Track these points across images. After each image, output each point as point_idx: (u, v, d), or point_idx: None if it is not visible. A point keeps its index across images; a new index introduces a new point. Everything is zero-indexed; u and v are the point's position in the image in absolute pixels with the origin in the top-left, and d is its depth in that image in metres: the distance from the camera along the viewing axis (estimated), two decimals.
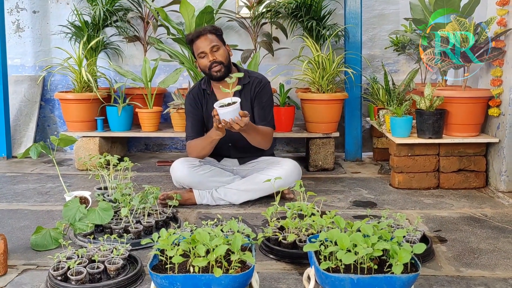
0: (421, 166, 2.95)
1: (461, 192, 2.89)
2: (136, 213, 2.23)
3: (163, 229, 1.68)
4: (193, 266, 1.53)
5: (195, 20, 3.42)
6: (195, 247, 1.55)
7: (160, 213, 2.27)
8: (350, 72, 3.47)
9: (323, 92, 3.45)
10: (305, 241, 1.87)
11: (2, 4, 3.90)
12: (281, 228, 2.04)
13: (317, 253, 1.62)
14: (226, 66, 2.64)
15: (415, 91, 3.41)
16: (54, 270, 1.66)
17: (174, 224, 2.27)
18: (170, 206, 2.31)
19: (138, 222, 2.15)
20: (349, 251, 1.53)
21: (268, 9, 3.73)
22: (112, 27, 3.93)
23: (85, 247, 1.81)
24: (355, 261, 1.52)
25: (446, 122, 2.94)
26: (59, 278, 1.65)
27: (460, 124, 2.92)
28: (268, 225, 2.02)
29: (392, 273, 1.50)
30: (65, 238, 2.10)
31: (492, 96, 2.88)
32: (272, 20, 3.78)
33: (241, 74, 2.28)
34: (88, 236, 2.05)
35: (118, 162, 2.49)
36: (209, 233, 1.59)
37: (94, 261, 1.70)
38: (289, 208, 2.01)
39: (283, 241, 1.93)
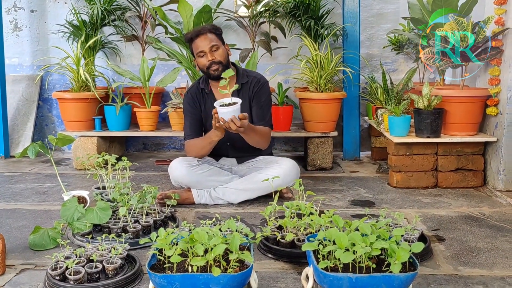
0: (419, 165, 2.96)
1: (459, 191, 2.90)
2: (135, 213, 2.23)
3: (161, 229, 1.68)
4: (192, 266, 1.53)
5: (193, 19, 3.42)
6: (193, 246, 1.55)
7: (158, 213, 2.27)
8: (348, 71, 3.48)
9: (321, 91, 3.45)
10: (303, 240, 1.87)
11: None
12: (280, 228, 2.04)
13: (316, 252, 1.63)
14: (225, 65, 2.63)
15: (413, 90, 3.42)
16: (52, 270, 1.66)
17: (172, 224, 2.26)
18: (168, 205, 2.31)
19: (136, 221, 2.15)
20: (348, 250, 1.54)
21: (266, 8, 3.73)
22: (110, 26, 3.93)
23: (83, 247, 1.81)
24: (353, 260, 1.52)
25: (444, 121, 2.94)
26: (57, 277, 1.64)
27: (458, 123, 2.92)
28: (267, 224, 2.02)
29: (391, 272, 1.50)
30: (63, 238, 2.10)
31: (490, 95, 2.89)
32: (270, 19, 3.78)
33: (231, 72, 2.23)
34: (86, 236, 2.05)
35: (116, 161, 2.49)
36: (207, 233, 1.59)
37: (92, 260, 1.70)
38: (288, 208, 2.01)
39: (281, 240, 1.93)
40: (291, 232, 1.95)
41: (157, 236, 1.64)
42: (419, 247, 1.57)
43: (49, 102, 4.27)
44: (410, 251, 1.54)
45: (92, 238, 2.03)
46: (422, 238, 1.99)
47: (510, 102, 2.78)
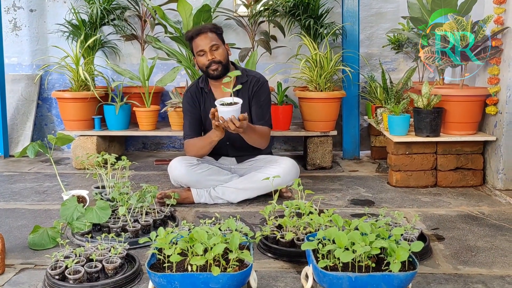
0: (419, 165, 2.96)
1: (458, 190, 2.90)
2: (134, 212, 2.23)
3: (161, 228, 1.68)
4: (191, 265, 1.53)
5: (192, 19, 3.41)
6: (193, 245, 1.55)
7: (158, 212, 2.27)
8: (347, 71, 3.47)
9: (321, 91, 3.45)
10: (303, 240, 1.87)
11: None
12: (279, 227, 2.04)
13: (315, 251, 1.63)
14: (224, 65, 2.63)
15: (412, 89, 3.41)
16: (52, 269, 1.66)
17: (172, 223, 2.26)
18: (168, 205, 2.31)
19: (136, 221, 2.15)
20: (347, 249, 1.54)
21: (266, 7, 3.73)
22: (109, 25, 3.92)
23: (83, 246, 1.81)
24: (353, 259, 1.52)
25: (444, 121, 2.95)
26: (56, 277, 1.64)
27: (457, 123, 2.92)
28: (266, 223, 2.03)
29: (390, 271, 1.50)
30: (63, 237, 2.10)
31: (489, 94, 2.89)
32: (270, 18, 3.78)
33: (238, 73, 2.27)
34: (85, 235, 2.05)
35: (115, 161, 2.49)
36: (207, 232, 1.59)
37: (92, 260, 1.70)
38: (287, 207, 2.01)
39: (281, 239, 1.93)
40: (291, 231, 1.95)
41: (157, 236, 1.64)
42: (418, 246, 1.57)
43: (49, 101, 4.27)
44: (409, 250, 1.54)
45: (91, 237, 2.03)
46: (422, 237, 1.99)
47: (509, 101, 2.78)
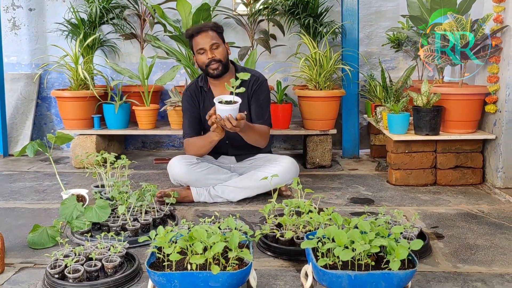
0: (418, 163, 2.96)
1: (458, 188, 2.90)
2: (134, 211, 2.22)
3: (160, 227, 1.68)
4: (191, 264, 1.53)
5: (191, 18, 3.41)
6: (192, 244, 1.55)
7: (157, 211, 2.27)
8: (347, 69, 3.47)
9: (320, 89, 3.45)
10: (302, 238, 1.87)
11: None
12: (279, 225, 2.04)
13: (315, 250, 1.63)
14: (224, 64, 2.63)
15: (412, 88, 3.41)
16: (52, 268, 1.66)
17: (171, 222, 2.26)
18: (167, 203, 2.31)
19: (135, 220, 2.15)
20: (347, 247, 1.54)
21: (265, 6, 3.72)
22: (108, 24, 3.92)
23: (82, 245, 1.81)
24: (352, 258, 1.52)
25: (443, 119, 2.95)
26: (56, 276, 1.64)
27: (457, 121, 2.92)
28: (266, 222, 2.03)
29: (390, 269, 1.50)
30: (62, 236, 2.09)
31: (488, 93, 2.89)
32: (269, 17, 3.77)
33: (247, 75, 2.26)
34: (85, 234, 2.05)
35: (115, 160, 2.49)
36: (206, 231, 1.59)
37: (91, 259, 1.70)
38: (287, 205, 2.01)
39: (280, 238, 1.93)
40: (290, 230, 1.95)
41: (156, 234, 1.64)
42: (418, 244, 1.57)
43: (48, 100, 4.26)
44: (409, 248, 1.54)
45: (91, 236, 2.03)
46: (421, 235, 1.99)
47: (508, 100, 2.78)
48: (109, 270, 1.69)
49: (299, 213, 2.05)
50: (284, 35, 3.91)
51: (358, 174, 3.30)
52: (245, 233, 1.79)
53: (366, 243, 1.54)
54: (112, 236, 1.87)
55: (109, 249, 1.76)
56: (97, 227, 2.16)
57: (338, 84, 3.74)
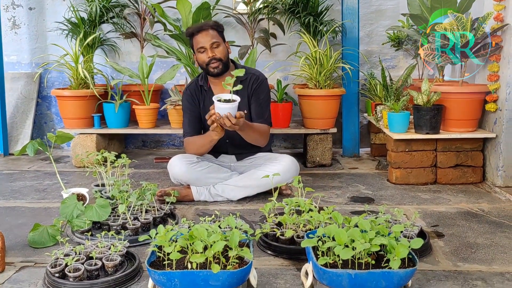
0: (419, 162, 2.96)
1: (458, 187, 2.90)
2: (134, 210, 2.23)
3: (160, 226, 1.68)
4: (191, 262, 1.53)
5: (192, 16, 3.41)
6: (193, 243, 1.56)
7: (157, 210, 2.27)
8: (347, 68, 3.47)
9: (321, 88, 3.44)
10: (303, 237, 1.87)
11: None
12: (279, 224, 2.04)
13: (315, 248, 1.63)
14: (225, 63, 2.63)
15: (412, 86, 3.41)
16: (52, 267, 1.66)
17: (171, 221, 2.26)
18: (167, 202, 2.31)
19: (135, 218, 2.15)
20: (347, 246, 1.54)
21: (265, 4, 3.72)
22: (108, 23, 3.92)
23: (83, 244, 1.81)
24: (352, 257, 1.52)
25: (443, 118, 2.94)
26: (56, 275, 1.64)
27: (457, 120, 2.92)
28: (266, 221, 2.03)
29: (390, 268, 1.50)
30: (63, 235, 2.10)
31: (489, 91, 2.89)
32: (269, 16, 3.77)
33: (242, 72, 2.26)
34: (85, 233, 2.05)
35: (115, 159, 2.49)
36: (206, 230, 1.60)
37: (91, 258, 1.70)
38: (287, 204, 2.01)
39: (281, 237, 1.93)
40: (291, 228, 1.95)
41: (157, 233, 1.65)
42: (418, 243, 1.57)
43: (48, 99, 4.26)
44: (409, 247, 1.54)
45: (91, 235, 2.03)
46: (421, 234, 1.99)
47: (509, 99, 2.78)
48: (110, 269, 1.69)
49: (299, 212, 2.06)
50: (284, 34, 3.91)
51: (359, 173, 3.30)
52: (246, 232, 1.79)
53: (366, 241, 1.54)
54: (112, 235, 1.87)
55: (110, 248, 1.76)
56: (97, 226, 2.16)
57: (339, 83, 3.74)
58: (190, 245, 1.56)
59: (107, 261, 1.69)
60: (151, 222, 2.15)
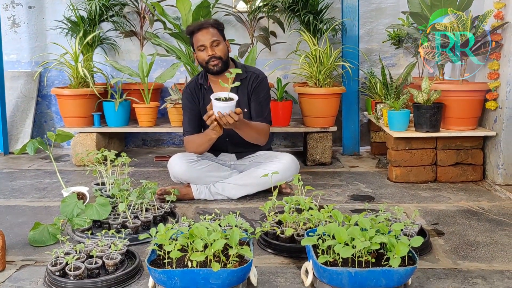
0: (419, 160, 2.96)
1: (458, 185, 2.90)
2: (134, 209, 2.23)
3: (161, 224, 1.68)
4: (191, 261, 1.53)
5: (191, 15, 3.41)
6: (193, 241, 1.56)
7: (158, 208, 2.27)
8: (347, 66, 3.47)
9: (321, 87, 3.44)
10: (303, 235, 1.87)
11: None
12: (279, 223, 2.05)
13: (315, 247, 1.63)
14: (225, 61, 2.63)
15: (412, 85, 3.41)
16: (52, 266, 1.66)
17: (172, 219, 2.27)
18: (168, 201, 2.31)
19: (136, 217, 2.15)
20: (347, 244, 1.54)
21: (265, 3, 3.72)
22: (108, 22, 3.91)
23: (83, 243, 1.81)
24: (352, 255, 1.52)
25: (444, 116, 2.94)
26: (57, 273, 1.65)
27: (457, 118, 2.92)
28: (266, 219, 2.03)
29: (390, 266, 1.50)
30: (63, 234, 2.10)
31: (489, 89, 2.88)
32: (269, 14, 3.77)
33: (239, 70, 2.26)
34: (86, 232, 2.05)
35: (115, 157, 2.49)
36: (207, 228, 1.60)
37: (92, 256, 1.70)
38: (287, 203, 2.01)
39: (281, 235, 1.93)
40: (291, 227, 1.95)
41: (157, 232, 1.65)
42: (418, 241, 1.58)
43: (48, 98, 4.26)
44: (409, 245, 1.54)
45: (91, 234, 2.03)
46: (422, 232, 2.00)
47: (509, 97, 2.77)
48: (110, 268, 1.69)
49: (299, 210, 2.06)
50: (284, 32, 3.90)
51: (359, 171, 3.30)
52: (246, 230, 1.79)
53: (367, 240, 1.54)
54: (112, 233, 1.87)
55: (110, 247, 1.76)
56: (97, 225, 2.16)
57: (338, 81, 3.74)
58: (190, 244, 1.56)
59: (108, 259, 1.69)
60: (151, 221, 2.15)
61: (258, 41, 3.81)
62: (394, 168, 2.98)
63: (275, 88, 3.61)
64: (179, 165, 2.61)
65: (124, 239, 1.84)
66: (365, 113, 3.88)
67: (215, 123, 2.38)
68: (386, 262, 1.54)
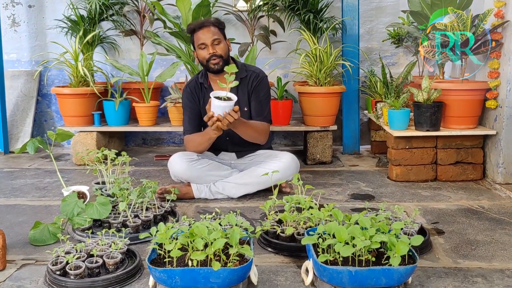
0: (419, 159, 2.96)
1: (458, 184, 2.90)
2: (134, 208, 2.23)
3: (161, 223, 1.68)
4: (192, 260, 1.54)
5: (191, 14, 3.40)
6: (193, 240, 1.56)
7: (158, 207, 2.28)
8: (347, 65, 3.47)
9: (321, 85, 3.44)
10: (303, 234, 1.87)
11: None
12: (279, 221, 2.05)
13: (315, 246, 1.63)
14: (225, 60, 2.63)
15: (412, 83, 3.41)
16: (53, 265, 1.67)
17: (172, 218, 2.27)
18: (168, 200, 2.31)
19: (136, 216, 2.16)
20: (347, 243, 1.54)
21: (265, 2, 3.71)
22: (108, 21, 3.91)
23: (84, 242, 1.81)
24: (353, 254, 1.52)
25: (444, 115, 2.94)
26: (58, 272, 1.65)
27: (457, 117, 2.92)
28: (266, 218, 2.03)
29: (390, 265, 1.50)
30: (64, 233, 2.10)
31: (489, 88, 2.88)
32: (269, 13, 3.76)
33: (234, 68, 2.24)
34: (86, 231, 2.05)
35: (115, 156, 2.49)
36: (207, 227, 1.60)
37: (92, 255, 1.70)
38: (287, 202, 2.02)
39: (281, 234, 1.93)
40: (291, 226, 1.95)
41: (157, 231, 1.65)
42: (418, 240, 1.58)
43: (48, 97, 4.26)
44: (409, 244, 1.54)
45: (92, 233, 2.03)
46: (422, 231, 2.00)
47: (509, 95, 2.77)
48: (110, 267, 1.69)
49: (299, 209, 2.06)
50: (284, 31, 3.90)
51: (359, 170, 3.30)
52: (246, 229, 1.79)
53: (367, 239, 1.54)
54: (113, 232, 1.87)
55: (110, 246, 1.76)
56: (98, 224, 2.16)
57: (339, 80, 3.73)
58: (191, 243, 1.57)
59: (108, 258, 1.70)
60: (151, 220, 2.16)
61: (258, 40, 3.80)
62: (394, 167, 2.98)
63: (275, 87, 3.61)
64: (179, 164, 2.61)
65: (125, 238, 1.84)
66: (365, 112, 3.88)
67: (217, 123, 2.38)
68: (386, 261, 1.54)
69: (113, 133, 3.85)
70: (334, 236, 1.58)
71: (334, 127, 3.51)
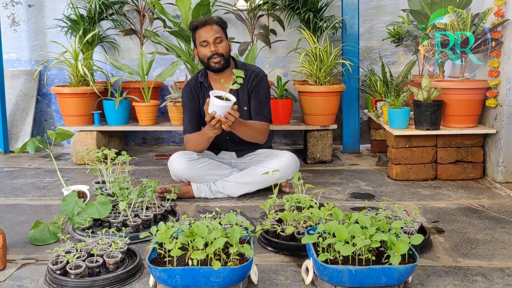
0: (419, 158, 2.96)
1: (458, 183, 2.90)
2: (135, 207, 2.23)
3: (161, 223, 1.68)
4: (192, 259, 1.54)
5: (191, 13, 3.40)
6: (193, 240, 1.56)
7: (158, 207, 2.28)
8: (347, 64, 3.47)
9: (321, 84, 3.44)
10: (303, 233, 1.88)
11: None
12: (280, 221, 2.05)
13: (315, 245, 1.63)
14: (226, 59, 2.63)
15: (412, 82, 3.41)
16: (53, 264, 1.67)
17: (172, 218, 2.27)
18: (168, 199, 2.31)
19: (136, 215, 2.16)
20: (347, 242, 1.54)
21: (265, 1, 3.71)
22: (108, 20, 3.91)
23: (84, 241, 1.81)
24: (353, 253, 1.52)
25: (444, 114, 2.94)
26: (58, 272, 1.65)
27: (457, 116, 2.92)
28: (267, 217, 2.03)
29: (390, 264, 1.51)
30: (64, 233, 2.10)
31: (489, 87, 2.88)
32: (269, 12, 3.76)
33: (242, 73, 2.25)
34: (86, 230, 2.05)
35: (115, 156, 2.49)
36: (207, 226, 1.60)
37: (93, 255, 1.70)
38: (287, 201, 2.02)
39: (281, 233, 1.93)
40: (291, 225, 1.95)
41: (157, 230, 1.65)
42: (418, 239, 1.58)
43: (48, 97, 4.26)
44: (409, 243, 1.54)
45: (92, 232, 2.03)
46: (422, 230, 2.00)
47: (509, 94, 2.77)
48: (111, 266, 1.69)
49: (299, 209, 2.06)
50: (284, 30, 3.90)
51: (359, 169, 3.30)
52: (246, 228, 1.79)
53: (367, 238, 1.54)
54: (113, 232, 1.87)
55: (111, 245, 1.77)
56: (98, 223, 2.16)
57: (339, 79, 3.73)
58: (191, 242, 1.57)
59: (108, 258, 1.70)
60: (151, 219, 2.16)
61: (258, 39, 3.80)
62: (394, 166, 2.98)
63: (275, 86, 3.61)
64: (179, 163, 2.61)
65: (125, 237, 1.84)
66: (365, 111, 3.88)
67: (219, 124, 2.37)
68: (387, 260, 1.54)
69: (113, 133, 3.85)
70: (334, 235, 1.58)
71: (334, 126, 3.51)
